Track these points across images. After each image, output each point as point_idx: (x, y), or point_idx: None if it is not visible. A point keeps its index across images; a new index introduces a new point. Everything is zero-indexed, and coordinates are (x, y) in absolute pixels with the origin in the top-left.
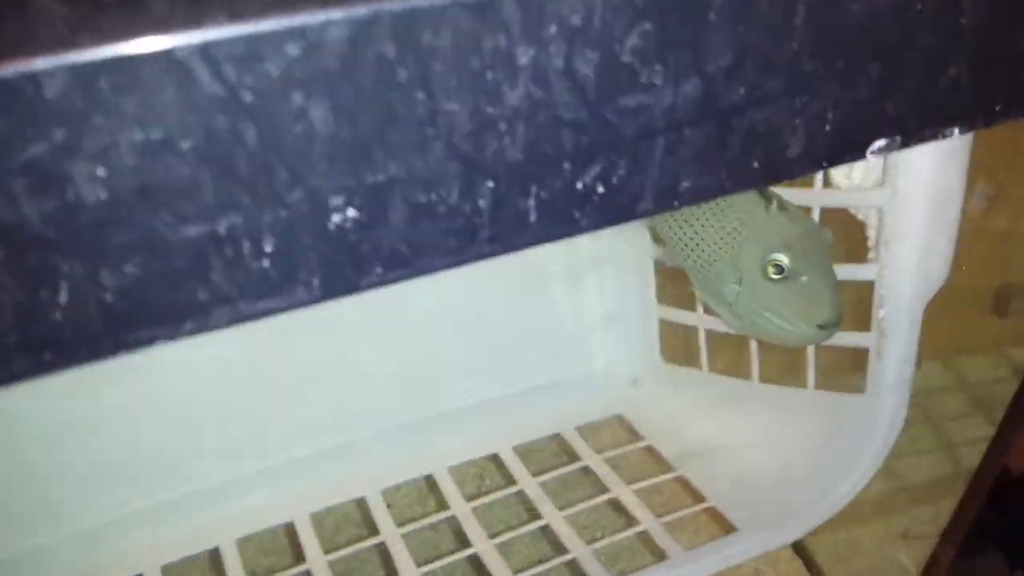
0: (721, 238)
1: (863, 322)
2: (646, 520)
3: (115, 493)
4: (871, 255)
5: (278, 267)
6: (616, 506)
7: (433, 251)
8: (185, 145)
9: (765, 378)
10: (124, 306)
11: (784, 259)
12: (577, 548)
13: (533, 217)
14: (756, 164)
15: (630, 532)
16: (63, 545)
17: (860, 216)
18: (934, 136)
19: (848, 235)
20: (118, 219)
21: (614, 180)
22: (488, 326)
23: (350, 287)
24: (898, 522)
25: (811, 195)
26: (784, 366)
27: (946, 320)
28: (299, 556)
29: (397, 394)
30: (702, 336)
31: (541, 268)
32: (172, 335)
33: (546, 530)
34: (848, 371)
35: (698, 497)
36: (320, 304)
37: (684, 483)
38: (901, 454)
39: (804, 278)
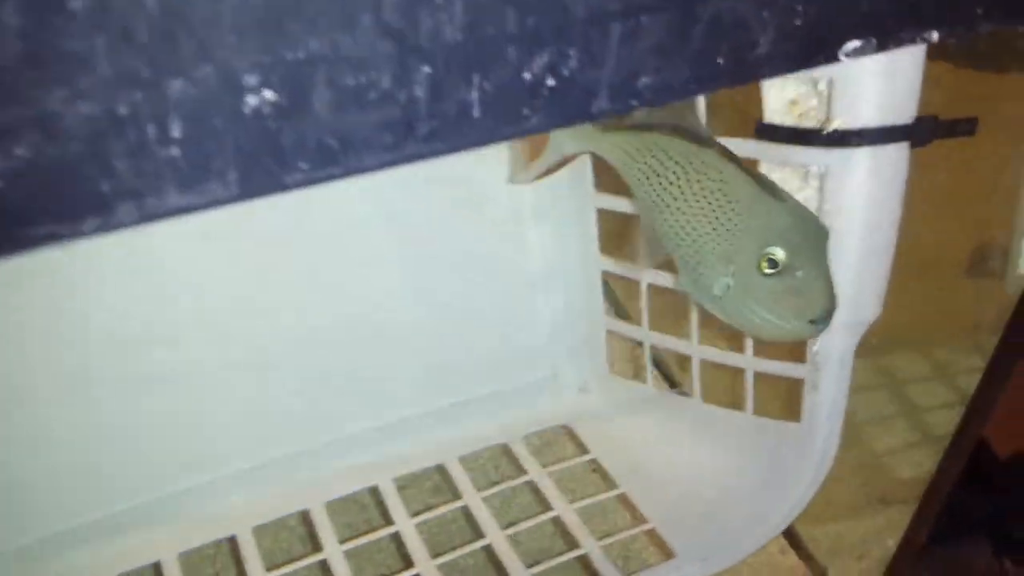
0: (715, 229)
1: (799, 353)
2: (587, 543)
3: (53, 509)
4: None
5: (189, 156)
6: (559, 526)
7: (365, 146)
8: (76, 5)
9: (707, 398)
10: (16, 196)
11: (780, 253)
12: (517, 572)
13: (476, 111)
14: (721, 60)
15: (570, 556)
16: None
17: None
18: (912, 39)
19: None
20: (3, 91)
21: (565, 71)
22: (435, 334)
23: (273, 184)
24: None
25: None
26: (724, 387)
27: (921, 284)
28: (241, 572)
29: (341, 404)
30: (647, 351)
31: (490, 275)
32: (73, 232)
33: (488, 550)
34: (785, 398)
35: (639, 518)
36: (240, 203)
37: (626, 501)
38: None
39: (799, 272)
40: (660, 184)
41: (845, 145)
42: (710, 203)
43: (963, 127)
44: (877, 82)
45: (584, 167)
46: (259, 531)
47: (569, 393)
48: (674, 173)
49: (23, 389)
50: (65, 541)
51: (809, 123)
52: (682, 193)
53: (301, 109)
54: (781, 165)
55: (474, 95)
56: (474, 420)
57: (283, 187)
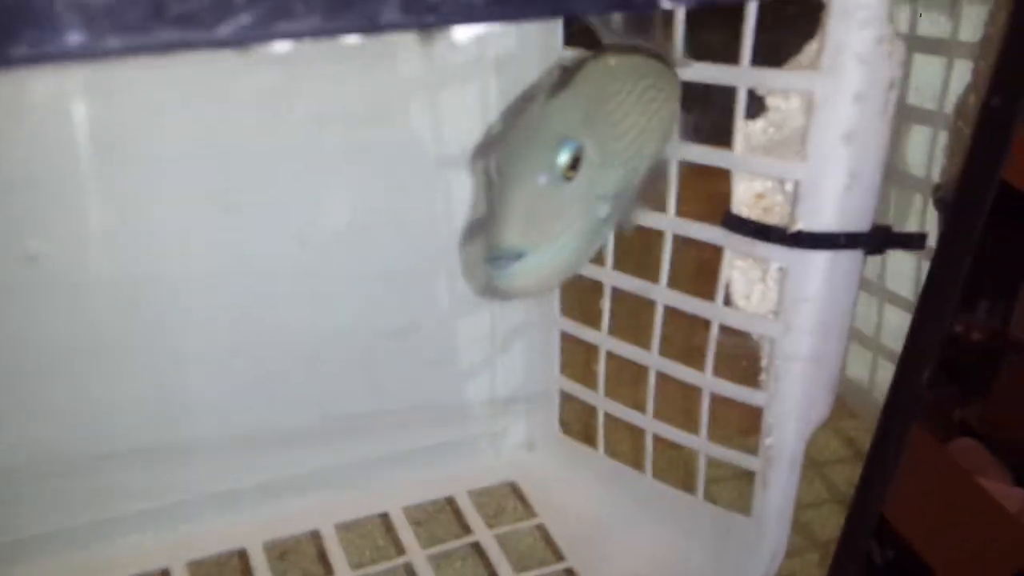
0: None
1: (753, 446)
2: None
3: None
4: (762, 378)
5: None
6: None
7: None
8: None
9: (657, 473)
10: None
11: (492, 165)
12: None
13: None
14: None
15: None
16: None
17: (755, 337)
18: None
19: (750, 353)
20: None
21: None
22: (384, 382)
23: None
24: None
25: (709, 310)
26: (675, 465)
27: None
28: None
29: (288, 445)
30: (600, 416)
31: (445, 331)
32: None
33: None
34: (736, 488)
35: None
36: None
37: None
38: None
39: (495, 189)
40: None
41: (804, 247)
42: None
43: (914, 240)
44: (840, 190)
45: None
46: (193, 566)
47: (517, 447)
48: None
49: None
50: None
51: (773, 218)
52: None
53: None
54: (744, 256)
55: None
56: (419, 470)
57: None
